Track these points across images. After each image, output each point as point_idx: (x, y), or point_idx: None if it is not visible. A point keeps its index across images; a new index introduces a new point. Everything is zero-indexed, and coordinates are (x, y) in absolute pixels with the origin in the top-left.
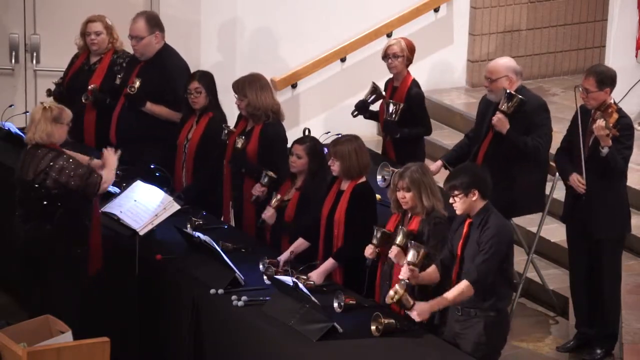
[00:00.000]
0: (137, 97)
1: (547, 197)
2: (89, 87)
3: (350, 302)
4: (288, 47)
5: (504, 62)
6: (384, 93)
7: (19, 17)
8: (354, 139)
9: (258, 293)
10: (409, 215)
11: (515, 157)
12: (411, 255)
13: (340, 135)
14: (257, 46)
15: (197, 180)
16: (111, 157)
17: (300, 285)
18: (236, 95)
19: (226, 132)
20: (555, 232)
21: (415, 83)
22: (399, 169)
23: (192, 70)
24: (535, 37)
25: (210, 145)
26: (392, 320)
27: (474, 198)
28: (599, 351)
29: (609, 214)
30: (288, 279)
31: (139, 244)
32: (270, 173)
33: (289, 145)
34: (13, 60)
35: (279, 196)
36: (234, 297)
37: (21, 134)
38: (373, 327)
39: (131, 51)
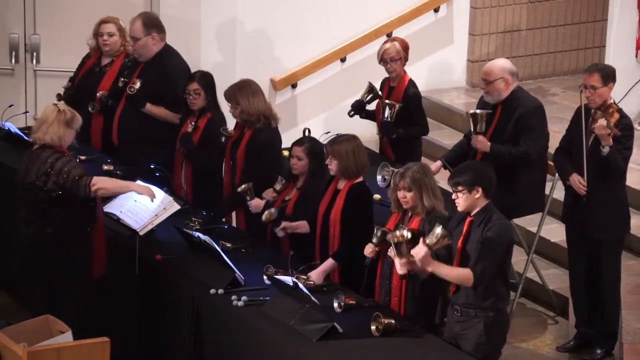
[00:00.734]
0: (137, 98)
1: (547, 197)
2: (97, 94)
3: (350, 302)
4: (288, 47)
5: (500, 64)
6: (380, 93)
7: (19, 17)
8: (352, 138)
9: (258, 293)
10: (410, 214)
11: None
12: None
13: (338, 135)
14: (257, 46)
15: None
16: (149, 189)
17: (300, 285)
18: (229, 104)
19: (224, 135)
20: (555, 232)
21: (412, 83)
22: (399, 169)
23: (193, 71)
24: (535, 37)
25: (209, 146)
26: (392, 321)
27: (477, 195)
28: (599, 351)
29: (608, 214)
30: (288, 279)
31: (139, 244)
32: (284, 180)
33: (287, 145)
34: (13, 60)
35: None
36: (234, 297)
37: (21, 133)
38: (373, 327)
39: None
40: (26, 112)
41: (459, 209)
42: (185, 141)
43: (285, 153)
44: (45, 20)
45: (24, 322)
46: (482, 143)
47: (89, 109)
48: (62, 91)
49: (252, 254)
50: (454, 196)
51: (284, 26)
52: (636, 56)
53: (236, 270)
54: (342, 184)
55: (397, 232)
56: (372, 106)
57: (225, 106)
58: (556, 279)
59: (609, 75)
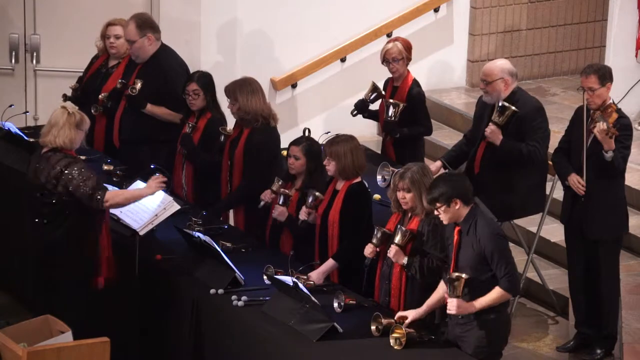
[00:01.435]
0: (138, 98)
1: (547, 197)
2: (100, 96)
3: (350, 302)
4: (288, 47)
5: (499, 64)
6: (383, 93)
7: (19, 17)
8: (350, 139)
9: (258, 293)
10: (409, 215)
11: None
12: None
13: (336, 135)
14: (257, 46)
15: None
16: (154, 181)
17: (300, 285)
18: (228, 99)
19: (224, 135)
20: (555, 232)
21: (416, 83)
22: (399, 169)
23: (192, 71)
24: (535, 37)
25: (209, 146)
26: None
27: (457, 207)
28: (598, 351)
29: (606, 214)
30: (288, 279)
31: (139, 244)
32: (318, 194)
33: (286, 145)
34: (13, 60)
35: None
36: (234, 297)
37: (21, 133)
38: (373, 327)
39: None
40: (26, 112)
41: (444, 222)
42: (186, 142)
43: (284, 153)
44: (45, 20)
45: (24, 322)
46: (495, 134)
47: (92, 110)
48: (67, 91)
49: (252, 254)
50: (435, 213)
51: (284, 26)
52: (636, 56)
53: (236, 270)
54: (340, 185)
55: (454, 275)
56: (375, 106)
57: (225, 106)
58: (556, 279)
59: (605, 76)
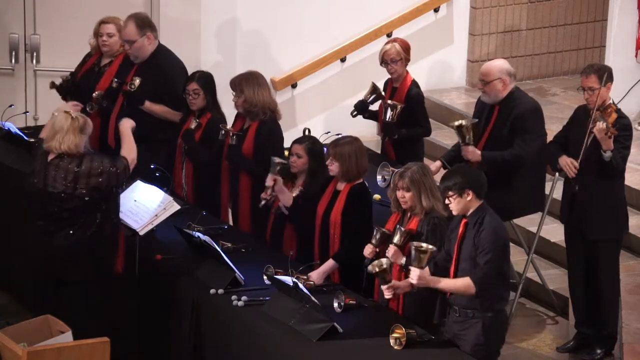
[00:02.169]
0: (136, 95)
1: (547, 197)
2: (94, 94)
3: (350, 302)
4: (288, 47)
5: (497, 65)
6: (383, 93)
7: (19, 17)
8: (354, 140)
9: (258, 293)
10: (409, 214)
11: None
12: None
13: (341, 136)
14: (257, 46)
15: None
16: (125, 127)
17: (300, 285)
18: (233, 93)
19: (223, 132)
20: (555, 232)
21: (415, 83)
22: (399, 169)
23: (191, 70)
24: (535, 37)
25: (209, 146)
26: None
27: (469, 198)
28: (598, 351)
29: (606, 214)
30: (288, 279)
31: (139, 244)
32: (278, 159)
33: (287, 144)
34: (13, 60)
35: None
36: (234, 297)
37: (21, 133)
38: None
39: None
40: (26, 112)
41: (454, 213)
42: (188, 138)
43: (285, 152)
44: (45, 20)
45: (24, 322)
46: (472, 153)
47: (87, 109)
48: (58, 81)
49: (252, 254)
50: (446, 201)
51: (283, 26)
52: (636, 56)
53: (236, 270)
54: (341, 185)
55: (375, 262)
56: (375, 106)
57: (225, 106)
58: (556, 279)
59: (605, 76)
